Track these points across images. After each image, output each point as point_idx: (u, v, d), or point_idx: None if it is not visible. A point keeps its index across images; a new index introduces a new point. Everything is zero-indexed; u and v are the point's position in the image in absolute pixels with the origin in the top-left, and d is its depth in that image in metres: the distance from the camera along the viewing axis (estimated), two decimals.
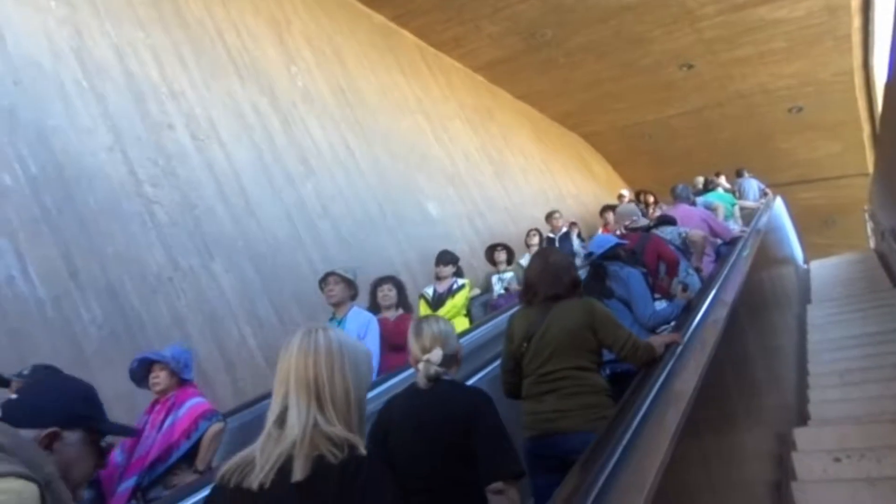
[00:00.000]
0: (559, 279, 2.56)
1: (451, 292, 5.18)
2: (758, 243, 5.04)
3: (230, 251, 4.81)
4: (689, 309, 3.08)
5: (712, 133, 12.54)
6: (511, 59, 10.01)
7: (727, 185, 9.37)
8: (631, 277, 3.26)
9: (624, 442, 1.53)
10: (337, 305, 4.10)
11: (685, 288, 3.38)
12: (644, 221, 4.58)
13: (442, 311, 4.99)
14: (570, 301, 2.52)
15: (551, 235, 7.52)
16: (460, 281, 5.33)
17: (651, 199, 8.83)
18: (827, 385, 4.53)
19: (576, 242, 7.44)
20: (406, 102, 8.00)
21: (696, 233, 4.48)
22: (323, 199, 5.86)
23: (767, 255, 5.53)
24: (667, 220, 4.72)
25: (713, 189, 8.65)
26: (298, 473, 1.17)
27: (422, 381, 1.96)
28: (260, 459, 1.22)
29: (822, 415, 4.00)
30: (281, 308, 4.98)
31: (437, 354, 1.96)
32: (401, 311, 4.46)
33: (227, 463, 1.30)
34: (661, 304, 3.38)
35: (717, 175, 9.55)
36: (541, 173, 10.74)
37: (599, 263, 3.40)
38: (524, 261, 6.28)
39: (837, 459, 3.18)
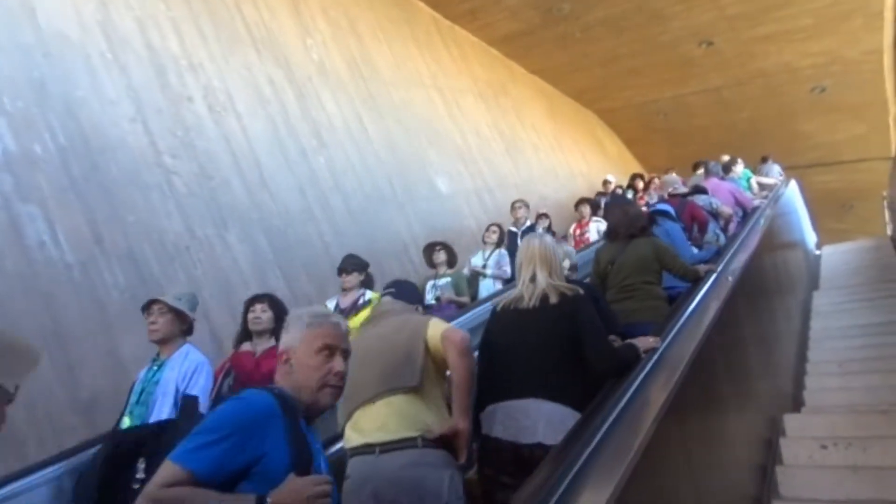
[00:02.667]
0: (634, 224, 3.62)
1: (355, 308, 4.06)
2: (765, 228, 5.27)
3: (244, 222, 4.99)
4: (718, 253, 4.20)
5: (730, 113, 12.41)
6: (528, 33, 9.95)
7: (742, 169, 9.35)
8: (672, 230, 4.21)
9: (610, 419, 1.68)
10: (162, 343, 2.92)
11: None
12: (683, 189, 5.60)
13: None
14: (641, 238, 3.56)
15: (513, 229, 6.48)
16: (368, 294, 4.19)
17: (640, 184, 8.65)
18: (825, 373, 4.54)
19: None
20: (419, 76, 8.05)
21: (726, 209, 5.62)
22: (335, 172, 6.00)
23: (776, 240, 5.61)
24: (700, 190, 5.74)
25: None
26: (553, 298, 2.35)
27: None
28: (526, 295, 2.41)
29: (816, 403, 4.04)
30: (291, 279, 5.18)
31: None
32: (272, 343, 3.20)
33: (501, 299, 2.57)
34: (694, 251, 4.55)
35: (735, 161, 9.49)
36: (552, 150, 10.77)
37: (652, 216, 4.26)
38: (477, 259, 5.78)
39: (824, 447, 3.26)
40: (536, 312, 2.34)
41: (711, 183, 6.37)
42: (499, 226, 6.03)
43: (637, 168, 13.67)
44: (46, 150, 3.99)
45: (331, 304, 4.20)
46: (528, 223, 6.60)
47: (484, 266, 5.69)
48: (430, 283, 5.26)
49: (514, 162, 9.27)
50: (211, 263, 4.62)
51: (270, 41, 5.88)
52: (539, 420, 2.15)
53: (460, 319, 4.23)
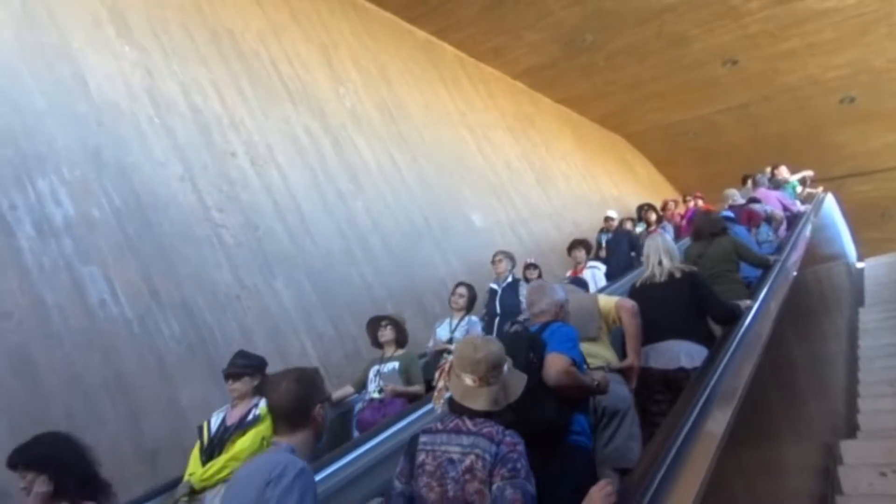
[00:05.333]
0: (715, 225, 4.49)
1: (242, 425, 3.16)
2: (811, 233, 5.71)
3: (289, 268, 5.15)
4: (779, 249, 5.15)
5: (759, 128, 12.31)
6: (551, 65, 10.13)
7: (788, 175, 9.27)
8: (739, 231, 5.16)
9: (730, 351, 2.50)
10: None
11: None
12: (741, 200, 6.78)
13: (213, 467, 3.04)
14: (722, 236, 4.41)
15: (493, 286, 5.48)
16: (264, 404, 3.10)
17: (653, 216, 7.89)
18: (878, 395, 4.45)
19: (523, 293, 5.18)
20: (449, 115, 8.25)
21: (777, 212, 6.49)
22: (372, 214, 6.16)
23: (818, 253, 5.55)
24: (754, 200, 6.82)
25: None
26: (677, 275, 3.47)
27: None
28: (656, 273, 3.54)
29: (871, 426, 3.95)
30: (337, 320, 5.29)
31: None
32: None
33: (636, 279, 3.73)
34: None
35: (776, 167, 9.40)
36: (583, 177, 10.82)
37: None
38: (443, 330, 4.69)
39: (883, 474, 3.19)
40: (667, 285, 3.45)
41: (760, 192, 7.30)
42: (467, 286, 4.84)
43: (668, 189, 13.60)
44: (103, 213, 4.23)
45: (214, 420, 3.29)
46: (511, 277, 5.46)
47: (450, 340, 4.55)
48: (374, 369, 4.14)
49: (545, 192, 9.34)
50: (260, 310, 4.77)
51: (305, 93, 6.13)
52: (680, 352, 3.21)
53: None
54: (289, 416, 1.79)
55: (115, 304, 4.04)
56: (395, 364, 4.09)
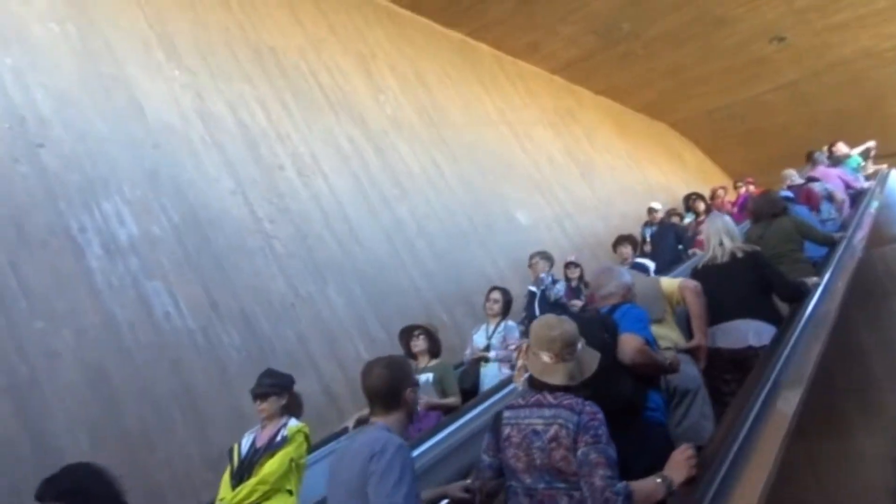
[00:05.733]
0: (776, 206, 4.36)
1: (271, 447, 3.02)
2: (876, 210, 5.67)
3: (340, 274, 5.27)
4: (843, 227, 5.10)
5: (811, 106, 11.81)
6: (589, 57, 10.00)
7: (847, 150, 8.90)
8: (800, 211, 5.02)
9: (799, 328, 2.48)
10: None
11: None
12: (800, 181, 6.65)
13: (243, 491, 2.91)
14: (783, 217, 4.28)
15: (532, 289, 5.26)
16: (293, 424, 3.11)
17: (702, 206, 7.59)
18: None
19: (559, 290, 5.16)
20: (488, 115, 8.26)
21: (838, 193, 6.30)
22: (417, 217, 6.23)
23: (884, 234, 5.34)
24: (814, 179, 6.65)
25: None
26: (739, 255, 3.40)
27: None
28: (718, 255, 3.47)
29: None
30: (388, 324, 5.37)
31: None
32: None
33: (698, 261, 3.68)
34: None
35: (833, 145, 9.03)
36: (628, 168, 10.63)
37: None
38: (480, 337, 4.55)
39: None
40: (730, 265, 3.42)
41: (819, 171, 7.15)
42: (501, 291, 4.70)
43: (718, 176, 13.21)
44: (163, 230, 4.43)
45: (245, 442, 3.17)
46: (550, 278, 5.22)
47: (487, 347, 4.42)
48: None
49: (590, 185, 9.23)
50: (314, 317, 4.89)
51: (346, 103, 6.26)
52: (748, 331, 3.19)
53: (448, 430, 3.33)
54: (383, 399, 1.98)
55: (179, 316, 4.22)
56: (429, 375, 3.95)
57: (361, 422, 3.86)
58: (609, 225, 8.24)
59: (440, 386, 3.94)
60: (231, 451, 3.16)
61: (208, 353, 4.24)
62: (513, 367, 4.07)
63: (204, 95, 5.12)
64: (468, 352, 4.52)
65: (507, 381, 3.79)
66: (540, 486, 1.89)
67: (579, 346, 2.08)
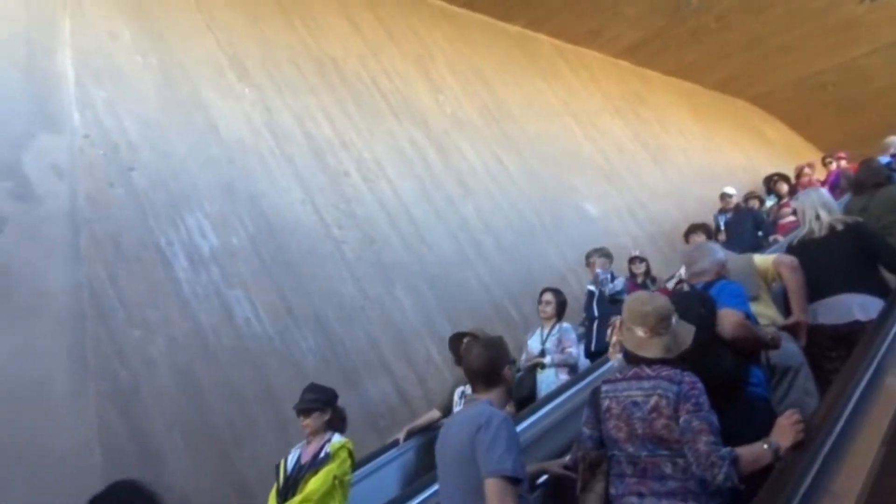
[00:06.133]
0: (879, 175, 4.08)
1: (314, 464, 3.00)
2: None
3: (407, 276, 5.39)
4: None
5: None
6: (656, 37, 9.64)
7: None
8: None
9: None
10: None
11: None
12: None
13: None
14: (887, 186, 4.00)
15: (591, 288, 4.94)
16: (336, 440, 3.09)
17: (785, 187, 6.99)
18: None
19: (617, 286, 4.79)
20: (551, 106, 8.14)
21: None
22: (483, 215, 6.26)
23: None
24: None
25: None
26: (839, 227, 3.24)
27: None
28: (815, 228, 3.30)
29: None
30: (457, 323, 5.42)
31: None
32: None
33: (794, 238, 3.64)
34: None
35: None
36: (704, 150, 10.16)
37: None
38: (534, 342, 4.38)
39: None
40: (828, 239, 3.28)
41: None
42: (554, 292, 4.47)
43: (808, 151, 12.35)
44: (241, 241, 4.71)
45: (292, 458, 3.15)
46: (609, 275, 4.86)
47: (542, 352, 4.23)
48: (459, 390, 3.85)
49: (662, 171, 8.90)
50: (384, 319, 5.03)
51: (406, 106, 6.38)
52: (853, 305, 3.06)
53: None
54: (483, 377, 2.12)
55: (258, 322, 4.48)
56: None
57: (412, 433, 3.94)
58: (685, 211, 7.92)
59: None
60: (277, 467, 3.17)
61: (286, 356, 4.47)
62: (571, 372, 4.13)
63: (272, 110, 5.39)
64: (523, 357, 4.38)
65: (565, 387, 3.69)
66: (643, 454, 1.94)
67: (673, 319, 2.11)
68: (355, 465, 3.26)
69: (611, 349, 2.29)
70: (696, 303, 2.44)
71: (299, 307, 4.69)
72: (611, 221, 7.40)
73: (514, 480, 1.85)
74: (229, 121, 5.10)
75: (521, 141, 7.25)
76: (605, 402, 2.07)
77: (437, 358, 5.17)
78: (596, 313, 4.76)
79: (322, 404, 3.18)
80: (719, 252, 2.84)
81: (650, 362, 2.04)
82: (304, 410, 3.18)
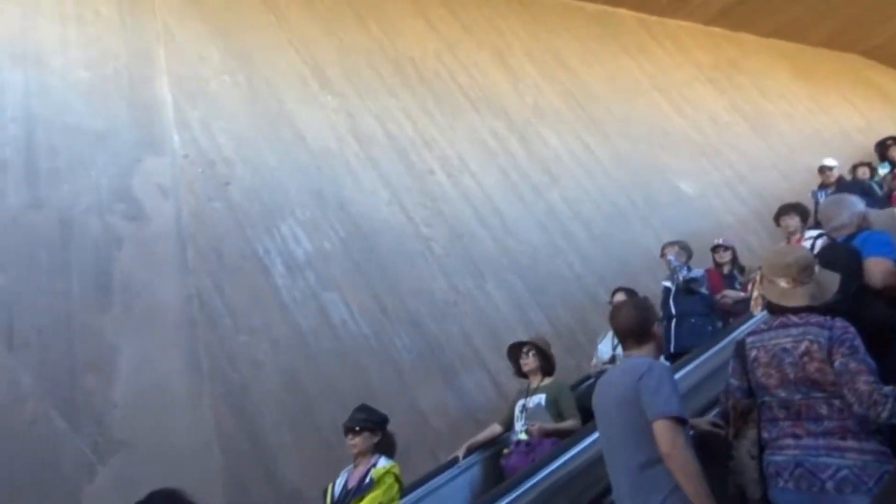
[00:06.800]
0: None
1: (360, 489, 2.94)
2: None
3: (497, 269, 5.33)
4: None
5: None
6: None
7: None
8: None
9: None
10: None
11: None
12: None
13: None
14: None
15: (667, 284, 4.55)
16: (384, 462, 3.02)
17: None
18: None
19: (688, 273, 4.39)
20: (637, 83, 7.77)
21: None
22: (571, 202, 6.08)
23: None
24: None
25: None
26: None
27: None
28: None
29: None
30: (551, 314, 5.32)
31: None
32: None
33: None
34: None
35: None
36: (810, 114, 9.31)
37: None
38: (605, 346, 4.09)
39: None
40: None
41: None
42: (626, 291, 4.23)
43: None
44: (333, 245, 4.84)
45: (339, 482, 3.13)
46: (684, 266, 4.44)
47: (613, 358, 3.94)
48: (520, 403, 3.61)
49: (764, 140, 8.25)
50: (477, 313, 5.01)
51: (486, 98, 6.31)
52: None
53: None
54: (635, 335, 2.21)
55: (354, 323, 4.59)
56: (541, 397, 3.51)
57: (472, 450, 3.68)
58: (792, 181, 7.31)
59: (555, 408, 3.47)
60: (325, 492, 3.12)
61: (382, 355, 4.55)
62: None
63: (354, 115, 5.50)
64: (594, 363, 4.11)
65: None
66: (796, 398, 1.94)
67: (816, 269, 2.09)
68: (420, 482, 3.30)
69: (752, 303, 2.19)
70: (841, 254, 2.40)
71: (393, 306, 4.76)
72: (709, 199, 6.96)
73: (681, 421, 1.93)
74: (315, 129, 5.26)
75: (606, 123, 6.97)
76: (752, 353, 2.07)
77: None
78: (674, 311, 4.34)
79: (373, 425, 3.11)
80: (858, 204, 2.72)
81: (796, 311, 2.02)
82: (353, 429, 3.09)
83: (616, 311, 2.32)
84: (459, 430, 4.28)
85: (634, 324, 2.21)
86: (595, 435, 2.77)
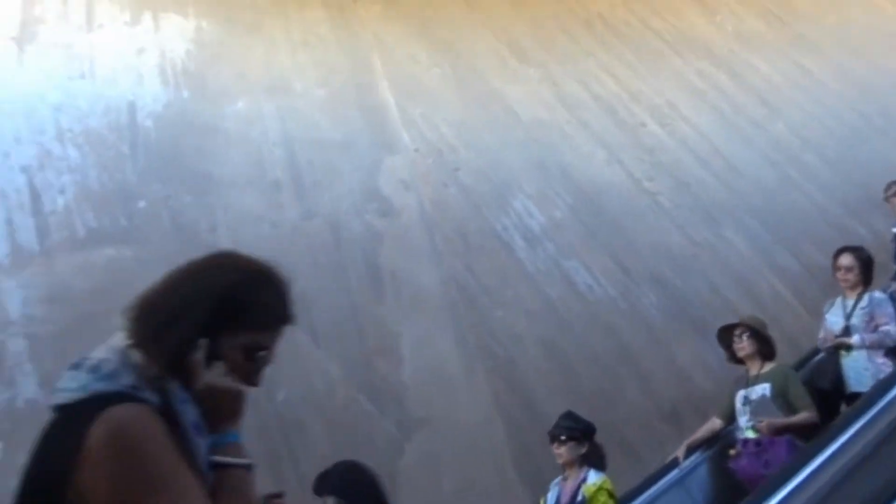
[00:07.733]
0: None
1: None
2: None
3: (730, 213, 5.09)
4: None
5: None
6: None
7: None
8: None
9: None
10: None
11: None
12: None
13: None
14: None
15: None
16: (594, 478, 2.85)
17: None
18: None
19: None
20: None
21: None
22: (797, 130, 5.61)
23: None
24: None
25: None
26: None
27: None
28: None
29: None
30: (797, 250, 4.98)
31: None
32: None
33: None
34: None
35: None
36: None
37: None
38: (835, 315, 3.46)
39: None
40: None
41: None
42: (853, 251, 3.45)
43: None
44: (563, 213, 4.92)
45: (551, 497, 2.98)
46: None
47: (846, 329, 3.29)
48: (741, 394, 3.17)
49: None
50: (719, 262, 4.83)
51: (684, 39, 5.99)
52: None
53: None
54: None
55: (599, 286, 4.64)
56: (766, 387, 3.06)
57: (692, 449, 3.35)
58: None
59: (783, 399, 3.02)
60: None
61: (632, 314, 4.56)
62: (888, 354, 3.15)
63: (558, 82, 5.51)
64: (821, 336, 3.49)
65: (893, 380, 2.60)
66: None
67: None
68: (644, 486, 3.15)
69: None
70: None
71: (633, 266, 4.74)
72: None
73: None
74: (524, 103, 5.35)
75: (819, 37, 6.29)
76: None
77: (784, 291, 4.80)
78: None
79: (579, 434, 2.96)
80: None
81: None
82: (558, 437, 2.94)
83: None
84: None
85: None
86: (858, 424, 2.15)
